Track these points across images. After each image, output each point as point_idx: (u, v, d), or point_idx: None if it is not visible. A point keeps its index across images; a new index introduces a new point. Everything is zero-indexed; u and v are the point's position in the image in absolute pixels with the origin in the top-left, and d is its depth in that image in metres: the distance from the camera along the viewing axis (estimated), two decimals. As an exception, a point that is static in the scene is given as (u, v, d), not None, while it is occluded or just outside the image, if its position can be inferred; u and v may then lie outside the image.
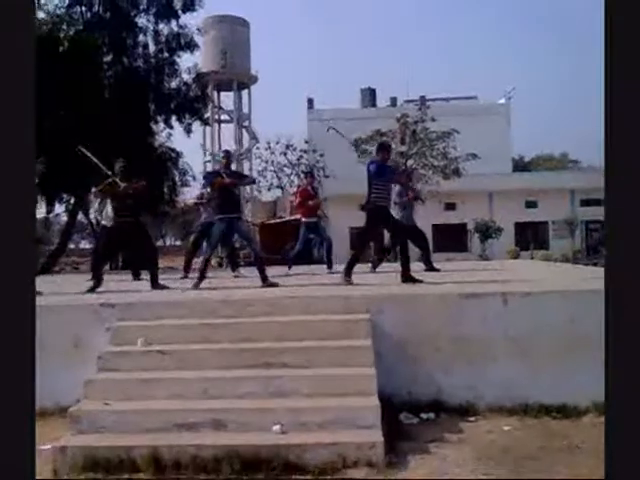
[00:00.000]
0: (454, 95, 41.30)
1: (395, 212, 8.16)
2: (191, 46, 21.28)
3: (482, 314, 5.26)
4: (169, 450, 3.99)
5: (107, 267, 15.18)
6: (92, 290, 7.09)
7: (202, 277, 7.09)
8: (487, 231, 30.57)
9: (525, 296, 5.38)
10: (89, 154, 7.68)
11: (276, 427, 4.11)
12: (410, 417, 4.90)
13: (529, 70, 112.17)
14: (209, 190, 8.90)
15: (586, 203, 32.33)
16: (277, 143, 36.71)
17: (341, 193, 28.66)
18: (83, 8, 20.12)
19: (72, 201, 20.37)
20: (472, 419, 4.89)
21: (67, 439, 4.20)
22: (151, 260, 7.62)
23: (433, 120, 26.31)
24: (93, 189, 9.64)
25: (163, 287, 7.23)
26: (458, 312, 5.29)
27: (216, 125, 42.38)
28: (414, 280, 6.81)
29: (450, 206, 32.84)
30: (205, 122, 25.91)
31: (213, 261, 18.44)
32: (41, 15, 18.67)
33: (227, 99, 43.99)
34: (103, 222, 9.23)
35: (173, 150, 21.73)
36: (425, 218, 10.96)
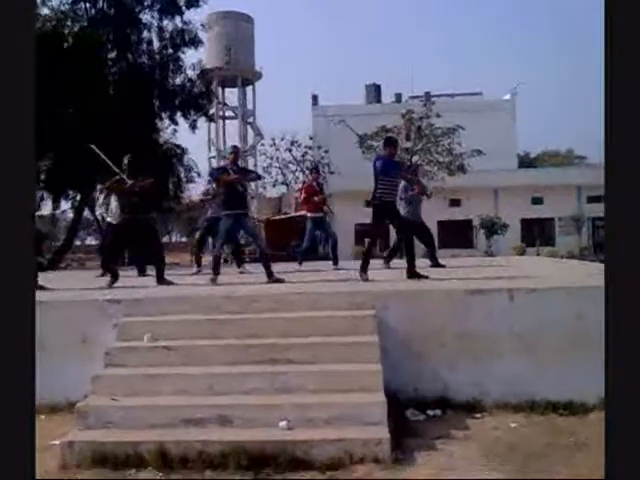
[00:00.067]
0: (459, 91, 41.17)
1: (401, 208, 8.15)
2: (195, 42, 21.22)
3: (488, 310, 5.26)
4: (176, 446, 4.00)
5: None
6: (110, 286, 7.10)
7: (217, 272, 7.11)
8: (493, 227, 30.47)
9: (531, 292, 5.37)
10: (99, 152, 7.71)
11: (282, 423, 4.12)
12: (417, 414, 4.91)
13: (531, 67, 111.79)
14: (214, 186, 8.92)
15: (593, 199, 32.09)
16: (282, 139, 36.65)
17: (346, 189, 28.63)
18: (87, 4, 20.10)
19: (78, 198, 20.42)
20: (478, 416, 4.88)
21: (75, 434, 4.22)
22: (157, 256, 7.66)
23: (438, 116, 26.24)
24: (99, 186, 9.66)
25: (169, 283, 7.25)
26: (464, 308, 5.29)
27: (221, 121, 42.39)
28: (419, 276, 6.80)
29: (455, 202, 32.75)
30: (210, 118, 25.87)
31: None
32: (45, 11, 18.72)
33: (231, 95, 44.09)
34: (108, 219, 9.25)
35: (178, 146, 21.72)
36: (430, 214, 10.90)
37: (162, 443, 4.01)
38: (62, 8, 19.40)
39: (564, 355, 5.13)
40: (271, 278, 6.96)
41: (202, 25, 21.91)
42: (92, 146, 7.93)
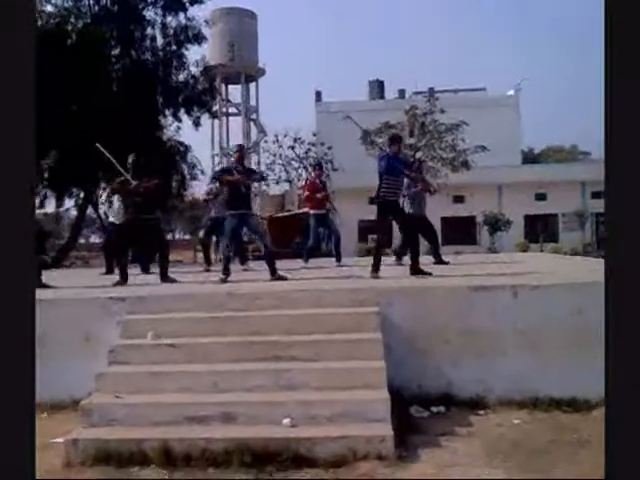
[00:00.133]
0: (463, 87, 41.03)
1: (405, 204, 8.14)
2: (199, 39, 21.18)
3: (491, 307, 5.25)
4: (180, 443, 4.02)
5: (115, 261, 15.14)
6: (116, 285, 7.08)
7: (227, 272, 7.06)
8: (496, 224, 30.42)
9: (534, 289, 5.36)
10: (105, 151, 7.71)
11: (286, 420, 4.12)
12: (420, 410, 4.91)
13: (535, 63, 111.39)
14: (217, 186, 8.92)
15: (597, 195, 31.90)
16: (285, 136, 36.44)
17: (350, 186, 28.60)
18: (91, 1, 20.07)
19: (81, 195, 20.44)
20: (482, 412, 4.89)
21: (79, 432, 4.24)
22: (162, 254, 7.68)
23: (442, 112, 26.14)
24: (104, 185, 9.68)
25: (172, 280, 7.26)
26: (467, 305, 5.28)
27: (224, 118, 42.37)
28: (423, 273, 6.80)
29: (459, 199, 32.68)
30: (213, 115, 25.86)
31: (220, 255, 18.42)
32: (49, 8, 18.71)
33: (235, 92, 44.01)
34: (111, 218, 9.25)
35: (182, 144, 21.69)
36: (434, 211, 10.88)
37: (166, 440, 4.02)
38: (65, 5, 19.40)
39: (567, 352, 5.12)
40: (274, 275, 6.96)
41: (205, 21, 21.86)
42: (98, 145, 7.94)
